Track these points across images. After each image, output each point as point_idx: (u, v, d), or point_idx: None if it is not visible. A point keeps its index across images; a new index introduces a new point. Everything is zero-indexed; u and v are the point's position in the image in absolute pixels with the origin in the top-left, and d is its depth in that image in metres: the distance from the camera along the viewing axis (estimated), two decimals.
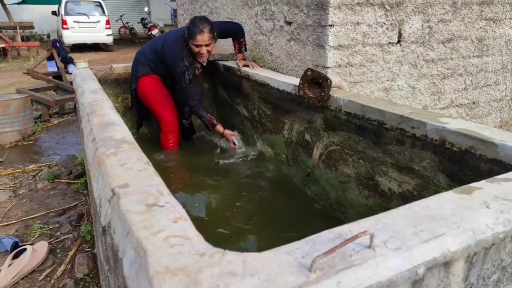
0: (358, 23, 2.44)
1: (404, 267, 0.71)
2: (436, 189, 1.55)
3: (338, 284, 0.65)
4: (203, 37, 2.66)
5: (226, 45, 3.81)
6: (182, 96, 2.86)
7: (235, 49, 3.11)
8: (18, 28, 11.48)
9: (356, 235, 0.70)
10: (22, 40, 12.08)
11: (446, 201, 0.92)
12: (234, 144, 2.80)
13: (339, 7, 2.34)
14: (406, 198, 1.70)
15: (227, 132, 2.81)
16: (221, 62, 3.33)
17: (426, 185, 1.61)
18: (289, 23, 2.75)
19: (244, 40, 3.07)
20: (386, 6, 2.48)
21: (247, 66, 3.02)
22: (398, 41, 2.63)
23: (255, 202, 2.37)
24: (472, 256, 0.82)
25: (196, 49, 2.69)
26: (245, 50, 3.11)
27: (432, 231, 0.79)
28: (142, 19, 15.72)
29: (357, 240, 0.71)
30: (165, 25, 16.96)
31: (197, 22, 2.67)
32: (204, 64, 2.92)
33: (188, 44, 2.72)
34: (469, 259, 0.82)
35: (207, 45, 2.69)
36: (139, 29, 16.18)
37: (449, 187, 1.48)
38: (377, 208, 1.90)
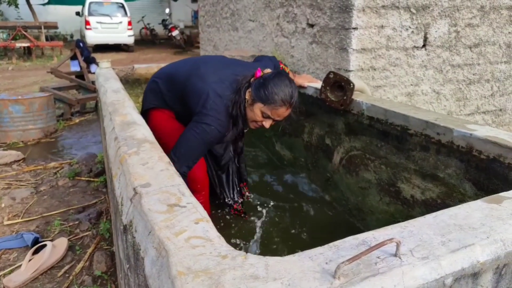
0: (382, 26, 2.40)
1: (431, 277, 0.69)
2: (462, 198, 1.51)
3: None
4: (285, 112, 1.77)
5: (246, 46, 3.82)
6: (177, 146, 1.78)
7: None
8: (42, 28, 11.77)
9: (382, 242, 0.68)
10: (46, 39, 12.40)
11: (475, 210, 0.89)
12: None
13: (364, 10, 2.31)
14: (429, 206, 1.66)
15: None
16: None
17: (451, 193, 1.57)
18: (312, 26, 2.73)
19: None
20: (412, 10, 2.44)
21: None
22: (424, 45, 2.58)
23: (272, 206, 2.36)
24: (501, 267, 0.80)
25: (260, 118, 1.78)
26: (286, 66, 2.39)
27: (460, 241, 0.76)
28: (163, 20, 15.95)
29: (383, 247, 0.69)
30: (186, 27, 17.14)
31: (282, 85, 1.71)
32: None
33: (246, 101, 1.78)
34: (498, 270, 0.80)
35: (276, 121, 1.83)
36: (160, 30, 16.42)
37: (476, 196, 1.44)
38: (398, 215, 1.86)
